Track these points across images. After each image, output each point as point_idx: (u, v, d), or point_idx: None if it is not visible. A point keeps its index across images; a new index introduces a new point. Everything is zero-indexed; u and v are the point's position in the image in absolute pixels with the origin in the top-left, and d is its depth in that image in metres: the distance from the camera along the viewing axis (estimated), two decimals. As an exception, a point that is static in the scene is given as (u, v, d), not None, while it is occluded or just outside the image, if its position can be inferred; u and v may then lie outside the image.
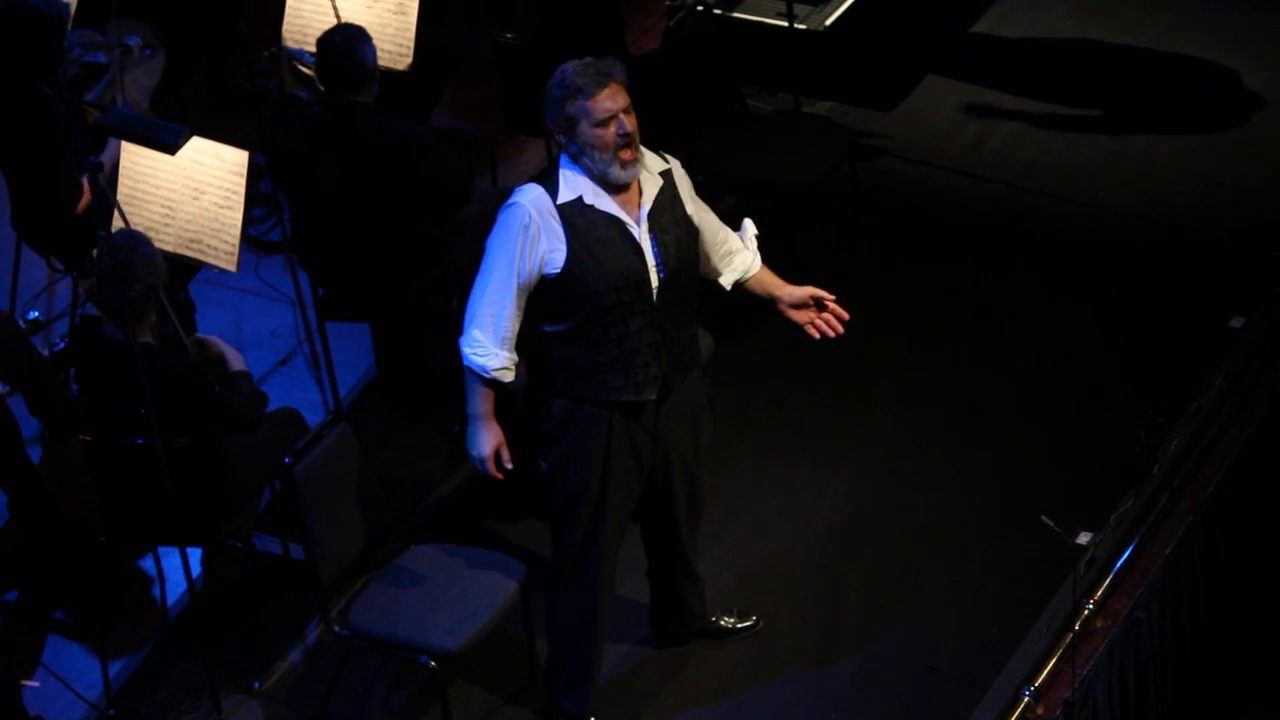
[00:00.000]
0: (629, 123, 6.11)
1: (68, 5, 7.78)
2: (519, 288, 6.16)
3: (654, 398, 6.33)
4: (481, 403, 6.28)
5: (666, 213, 6.27)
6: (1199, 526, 7.08)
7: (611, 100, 6.08)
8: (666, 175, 6.29)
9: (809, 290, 6.51)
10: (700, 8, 8.62)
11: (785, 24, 9.15)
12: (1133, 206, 8.88)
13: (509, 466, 6.32)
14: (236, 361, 6.98)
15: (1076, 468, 7.58)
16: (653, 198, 6.24)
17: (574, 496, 6.40)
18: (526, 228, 6.11)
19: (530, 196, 6.15)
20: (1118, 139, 9.27)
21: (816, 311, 6.52)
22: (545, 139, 8.93)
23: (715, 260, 6.48)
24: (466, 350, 6.22)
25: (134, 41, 8.13)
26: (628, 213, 6.19)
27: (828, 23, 9.41)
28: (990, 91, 9.61)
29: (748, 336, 8.19)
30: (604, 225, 6.16)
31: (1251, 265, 8.33)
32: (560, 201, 6.13)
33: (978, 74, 9.73)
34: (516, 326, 6.20)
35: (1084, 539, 6.89)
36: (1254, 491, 7.44)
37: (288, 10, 8.12)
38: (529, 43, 8.53)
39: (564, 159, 6.19)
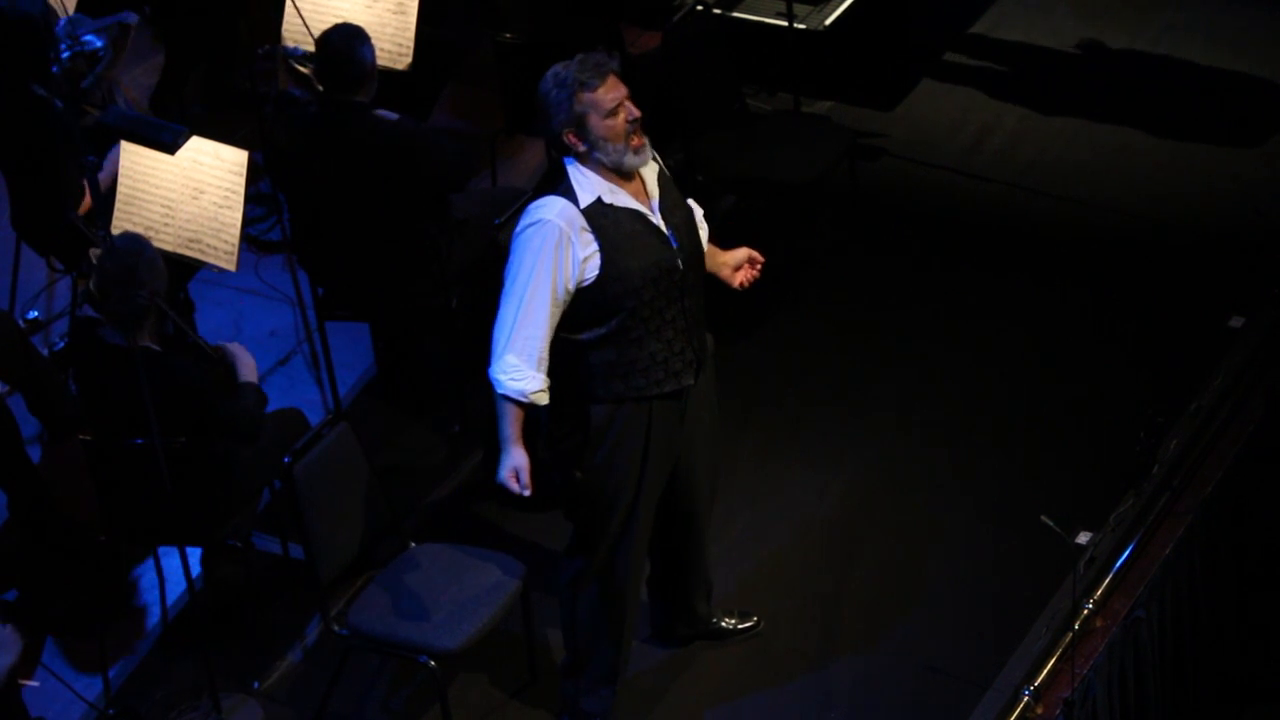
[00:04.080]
0: (635, 109, 6.12)
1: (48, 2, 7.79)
2: (555, 306, 6.10)
3: (692, 382, 6.34)
4: (513, 427, 6.19)
5: (670, 196, 6.30)
6: (1198, 526, 7.08)
7: (616, 89, 6.09)
8: (656, 160, 6.31)
9: (746, 252, 6.57)
10: (700, 7, 8.62)
11: (785, 24, 9.15)
12: (1133, 206, 8.88)
13: (527, 493, 6.22)
14: (248, 372, 6.94)
15: (1076, 468, 7.58)
16: (656, 184, 6.25)
17: (613, 499, 6.37)
18: (559, 244, 6.05)
19: (555, 209, 6.09)
20: (1118, 139, 9.27)
21: (749, 267, 6.58)
22: (545, 139, 8.92)
23: None
24: (501, 377, 6.13)
25: (132, 19, 8.12)
26: (642, 204, 6.20)
27: (827, 22, 9.41)
28: (990, 91, 9.61)
29: (748, 336, 8.19)
30: (629, 220, 6.15)
31: (1251, 265, 8.33)
32: (583, 207, 6.11)
33: (977, 74, 9.74)
34: (548, 344, 6.13)
35: (1084, 539, 6.90)
36: (1253, 490, 7.44)
37: (287, 10, 8.12)
38: (529, 43, 8.53)
39: (570, 163, 6.15)
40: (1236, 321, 7.85)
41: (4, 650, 5.99)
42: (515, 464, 6.21)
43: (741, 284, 6.56)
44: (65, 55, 7.82)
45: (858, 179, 8.83)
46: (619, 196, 6.15)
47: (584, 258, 6.09)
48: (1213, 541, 7.21)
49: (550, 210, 6.09)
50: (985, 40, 9.95)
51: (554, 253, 6.06)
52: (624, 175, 6.17)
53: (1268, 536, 7.58)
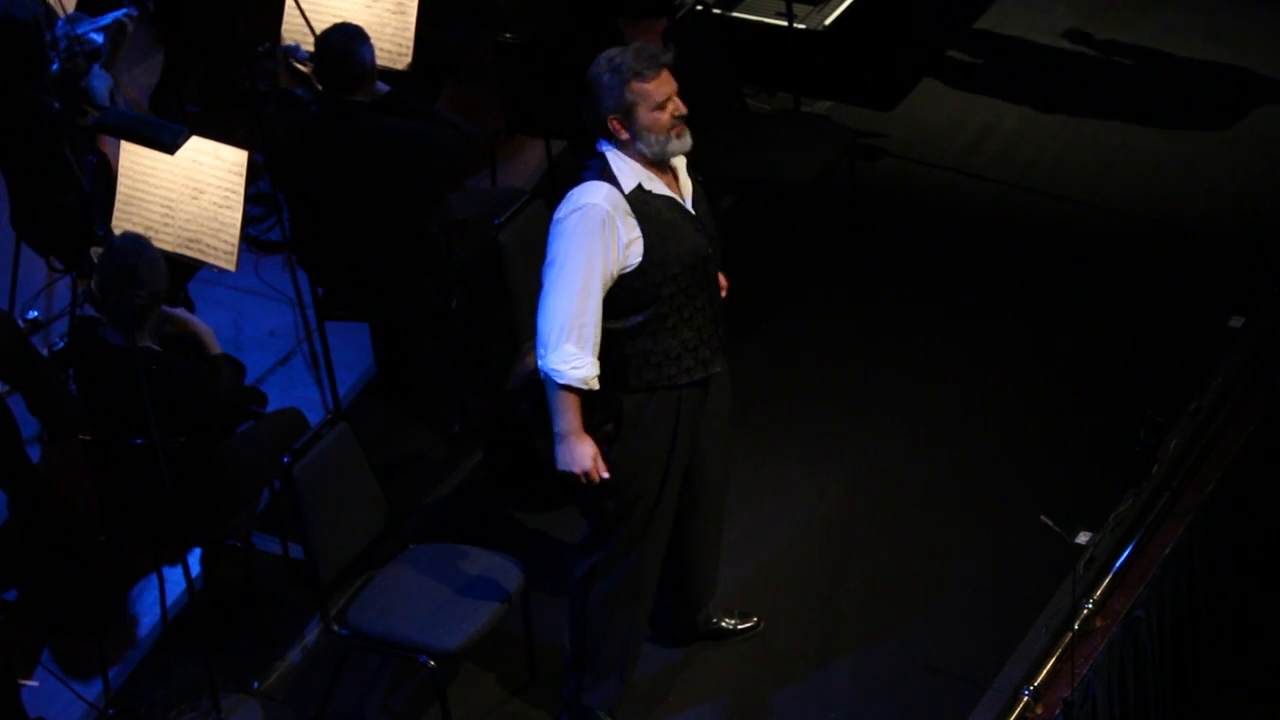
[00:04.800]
0: (683, 105, 6.15)
1: (40, 4, 7.79)
2: (604, 289, 6.10)
3: (719, 368, 6.37)
4: (575, 417, 6.15)
5: (697, 188, 6.33)
6: (1198, 526, 7.08)
7: (668, 83, 6.11)
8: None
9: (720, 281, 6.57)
10: (700, 7, 8.62)
11: (785, 24, 9.15)
12: (1133, 206, 8.88)
13: (605, 475, 6.21)
14: (213, 342, 6.93)
15: (1076, 468, 7.58)
16: (685, 174, 6.28)
17: (639, 491, 6.36)
18: (606, 225, 6.05)
19: (601, 194, 6.09)
20: (1118, 139, 9.27)
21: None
22: (544, 139, 8.93)
23: None
24: (561, 368, 6.08)
25: (134, 13, 8.12)
26: (675, 192, 6.23)
27: (827, 22, 9.41)
28: (990, 91, 9.61)
29: (747, 336, 8.18)
30: (666, 208, 6.18)
31: (1251, 265, 8.33)
32: (627, 192, 6.12)
33: (977, 73, 9.74)
34: (601, 329, 6.12)
35: (1083, 538, 6.90)
36: (1253, 490, 7.44)
37: (287, 9, 8.12)
38: (529, 43, 8.53)
39: (609, 150, 6.15)
40: (1236, 321, 7.85)
41: None
42: (592, 451, 6.19)
43: None
44: (63, 57, 7.83)
45: (858, 179, 8.83)
46: (656, 184, 6.18)
47: (628, 242, 6.10)
48: (1213, 541, 7.21)
49: (596, 195, 6.09)
50: (985, 40, 9.95)
51: (602, 236, 6.06)
52: (660, 167, 6.19)
53: (1268, 537, 7.58)
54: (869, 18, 9.47)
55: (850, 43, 9.45)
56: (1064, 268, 8.57)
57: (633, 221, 6.10)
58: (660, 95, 6.10)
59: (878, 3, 9.49)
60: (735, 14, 9.48)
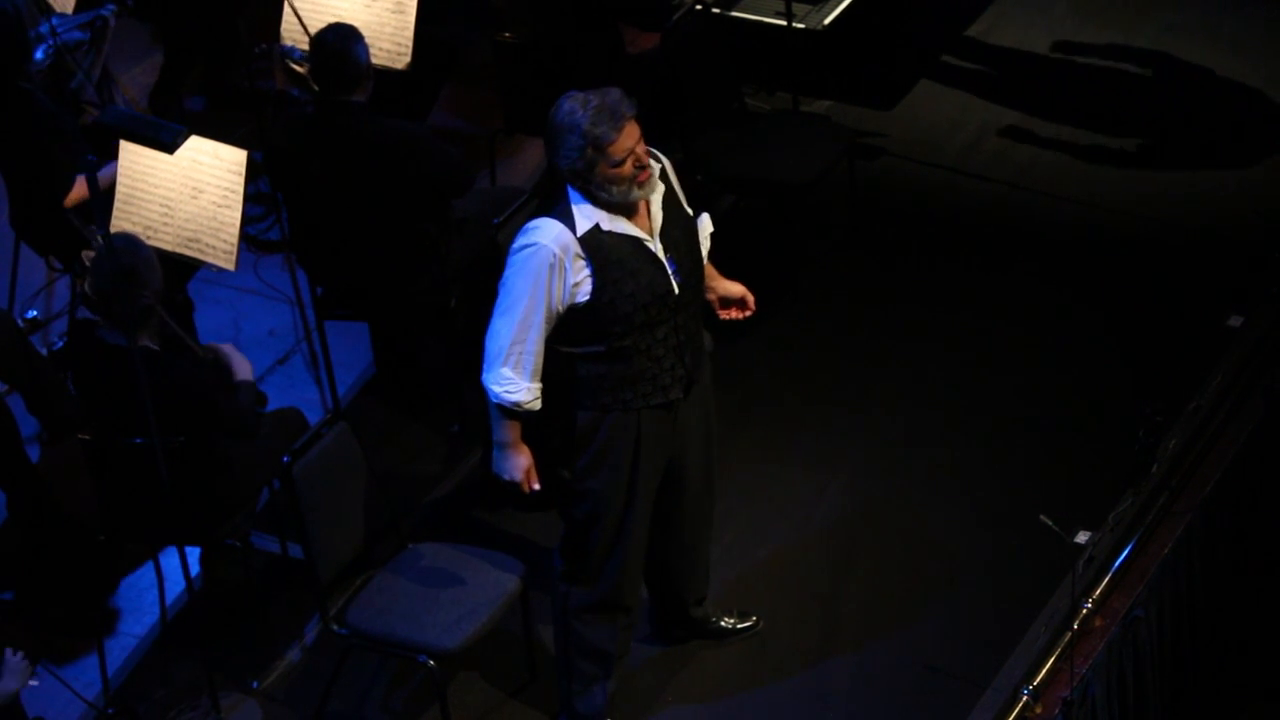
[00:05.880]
0: (643, 154, 6.10)
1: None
2: (546, 322, 6.14)
3: (682, 396, 6.35)
4: (510, 431, 6.29)
5: (673, 214, 6.29)
6: (1197, 525, 7.08)
7: (630, 138, 6.06)
8: (663, 175, 6.29)
9: (742, 288, 6.59)
10: (699, 7, 8.62)
11: (784, 23, 9.16)
12: (1132, 206, 8.88)
13: (536, 487, 6.34)
14: (244, 371, 6.95)
15: (1076, 467, 7.58)
16: (660, 206, 6.24)
17: (602, 501, 6.39)
18: (553, 267, 6.07)
19: (551, 234, 6.10)
20: (1117, 138, 9.27)
21: (739, 309, 6.61)
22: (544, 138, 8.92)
23: None
24: (495, 388, 6.20)
25: (110, 9, 8.12)
26: (642, 229, 6.20)
27: (826, 22, 9.41)
28: (989, 91, 9.61)
29: (748, 336, 8.18)
30: (625, 247, 6.16)
31: (1251, 265, 8.33)
32: (579, 234, 6.11)
33: (976, 73, 9.74)
34: (542, 357, 6.19)
35: (1083, 538, 6.90)
36: (1252, 490, 7.44)
37: (286, 10, 8.12)
38: (529, 43, 8.53)
39: (571, 190, 6.15)
40: (1235, 321, 7.85)
41: (10, 676, 6.04)
42: (524, 464, 6.32)
43: (725, 319, 6.59)
44: (50, 51, 7.82)
45: (857, 179, 8.83)
46: (618, 224, 6.16)
47: (575, 282, 6.12)
48: (1212, 541, 7.21)
49: (546, 234, 6.11)
50: (984, 40, 9.95)
51: (546, 275, 6.09)
52: (625, 208, 6.17)
53: (1267, 536, 7.58)
54: (868, 17, 9.47)
55: (849, 43, 9.45)
56: (1063, 267, 8.57)
57: (581, 263, 6.11)
58: (620, 153, 6.05)
59: (877, 3, 9.49)
60: (735, 14, 9.48)
